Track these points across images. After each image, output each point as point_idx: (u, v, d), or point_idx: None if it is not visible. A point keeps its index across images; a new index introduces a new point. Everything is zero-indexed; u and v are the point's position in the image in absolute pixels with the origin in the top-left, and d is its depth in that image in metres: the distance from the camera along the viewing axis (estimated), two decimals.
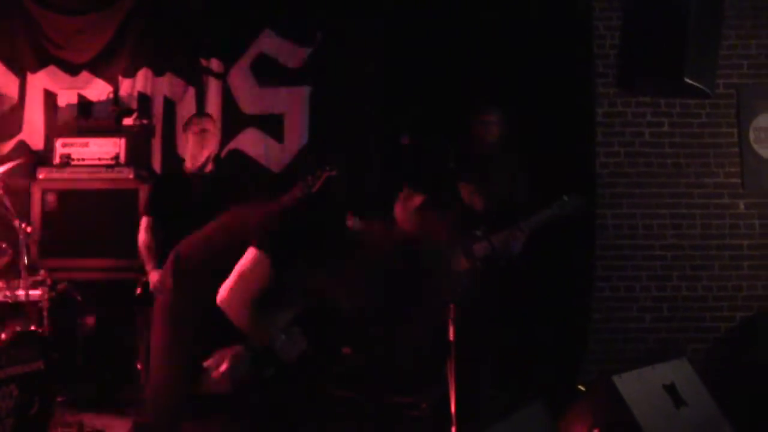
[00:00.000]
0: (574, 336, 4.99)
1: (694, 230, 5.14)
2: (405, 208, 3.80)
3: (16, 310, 4.15)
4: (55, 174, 5.01)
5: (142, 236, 4.29)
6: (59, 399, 4.00)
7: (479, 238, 3.85)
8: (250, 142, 5.25)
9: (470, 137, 4.01)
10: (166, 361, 2.81)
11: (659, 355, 4.48)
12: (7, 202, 4.07)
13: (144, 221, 4.32)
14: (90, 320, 4.73)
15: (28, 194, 4.99)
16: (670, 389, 3.48)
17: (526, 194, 4.07)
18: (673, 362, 3.69)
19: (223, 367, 2.76)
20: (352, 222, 4.45)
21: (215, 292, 2.76)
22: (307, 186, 4.33)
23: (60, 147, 5.09)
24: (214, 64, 5.33)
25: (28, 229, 4.15)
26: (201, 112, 4.56)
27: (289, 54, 5.27)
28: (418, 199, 3.80)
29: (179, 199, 4.26)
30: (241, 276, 2.72)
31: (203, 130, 4.35)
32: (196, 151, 4.36)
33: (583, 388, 4.25)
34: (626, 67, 4.61)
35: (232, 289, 2.71)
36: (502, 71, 4.97)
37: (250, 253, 2.74)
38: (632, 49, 4.08)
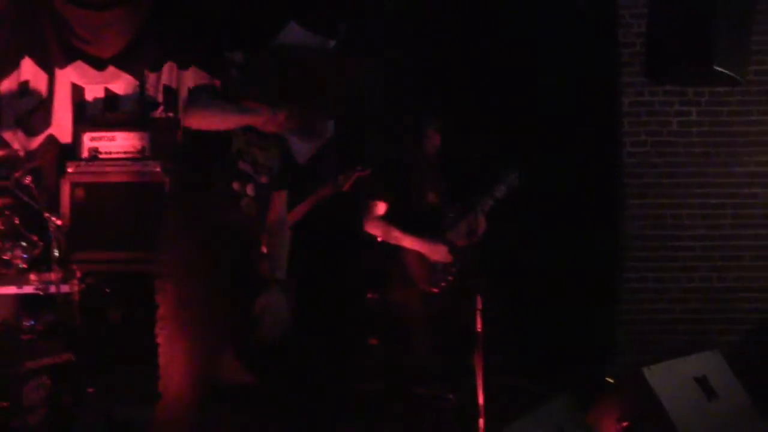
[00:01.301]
0: (602, 328, 4.95)
1: (724, 220, 5.07)
2: (372, 218, 3.84)
3: (47, 302, 4.21)
4: (84, 168, 5.06)
5: None
6: (88, 390, 4.05)
7: (451, 224, 3.88)
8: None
9: (420, 144, 4.04)
10: (183, 353, 2.75)
11: (689, 347, 4.44)
12: (38, 196, 4.12)
13: None
14: (118, 312, 4.77)
15: (57, 188, 5.05)
16: (702, 381, 3.43)
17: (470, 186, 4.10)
18: (704, 354, 3.65)
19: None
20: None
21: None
22: (337, 185, 4.33)
23: (88, 141, 5.14)
24: (238, 57, 5.33)
25: (58, 223, 4.19)
26: None
27: (314, 46, 5.25)
28: (382, 207, 3.84)
29: None
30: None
31: None
32: None
33: (611, 381, 4.22)
34: (653, 56, 4.56)
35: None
36: (525, 62, 4.93)
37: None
38: (659, 36, 4.01)
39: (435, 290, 3.80)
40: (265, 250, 2.98)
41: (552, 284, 4.78)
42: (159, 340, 2.75)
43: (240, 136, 2.81)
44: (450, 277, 3.79)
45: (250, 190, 2.84)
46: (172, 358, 2.72)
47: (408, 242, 3.79)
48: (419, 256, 3.79)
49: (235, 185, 2.80)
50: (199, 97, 2.75)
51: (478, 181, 3.95)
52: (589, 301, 4.87)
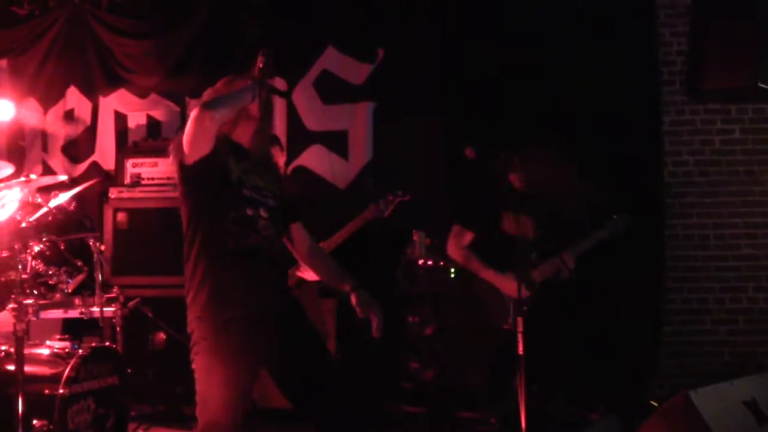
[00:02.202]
0: (645, 350, 4.87)
1: None
2: (457, 245, 3.83)
3: (92, 326, 4.27)
4: (126, 194, 5.15)
5: None
6: (132, 413, 4.09)
7: (534, 265, 3.84)
8: (316, 158, 5.29)
9: (518, 174, 3.97)
10: (220, 378, 2.76)
11: (736, 370, 4.34)
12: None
13: None
14: (160, 336, 4.82)
15: (100, 213, 5.15)
16: (751, 405, 3.34)
17: (574, 216, 4.04)
18: (752, 377, 3.55)
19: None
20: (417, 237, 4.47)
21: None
22: (379, 210, 4.35)
23: (130, 167, 5.24)
24: (279, 83, 5.39)
25: (102, 248, 4.26)
26: None
27: (352, 70, 5.29)
28: (469, 236, 3.82)
29: None
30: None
31: None
32: None
33: (655, 403, 4.14)
34: (695, 74, 4.52)
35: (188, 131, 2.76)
36: (563, 82, 4.91)
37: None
38: (702, 54, 3.99)
39: (506, 327, 3.77)
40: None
41: (593, 305, 4.71)
42: (194, 365, 2.77)
43: (235, 166, 2.84)
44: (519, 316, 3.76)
45: (263, 212, 2.86)
46: (209, 383, 2.73)
47: (485, 274, 3.80)
48: (494, 288, 3.79)
49: (249, 211, 2.82)
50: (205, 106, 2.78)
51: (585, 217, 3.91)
52: (631, 323, 4.79)
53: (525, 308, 3.70)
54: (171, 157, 2.86)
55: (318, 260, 3.09)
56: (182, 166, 2.81)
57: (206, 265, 2.80)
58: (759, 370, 3.82)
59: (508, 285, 3.78)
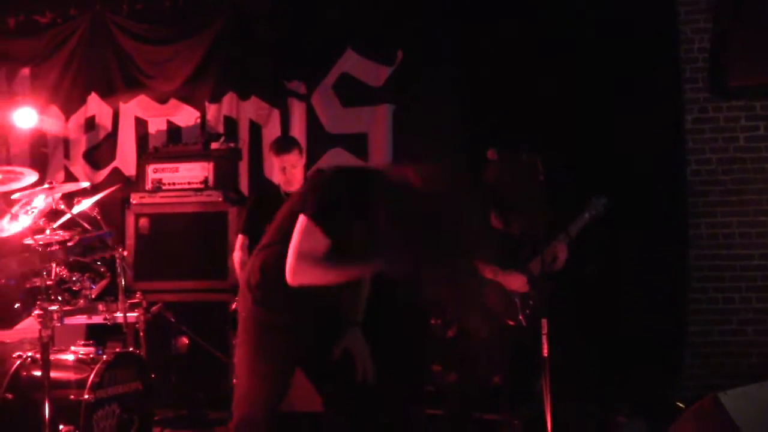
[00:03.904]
0: (670, 351, 4.82)
1: None
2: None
3: (115, 331, 4.30)
4: (147, 199, 5.19)
5: (238, 254, 4.35)
6: (155, 418, 4.11)
7: (530, 257, 3.80)
8: (336, 162, 5.29)
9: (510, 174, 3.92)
10: (258, 374, 2.79)
11: (764, 371, 4.28)
12: (105, 227, 4.22)
13: (239, 240, 4.37)
14: (183, 340, 4.84)
15: (122, 219, 5.18)
16: None
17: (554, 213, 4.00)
18: None
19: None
20: None
21: None
22: None
23: (151, 172, 5.27)
24: (298, 86, 5.42)
25: (125, 253, 4.29)
26: (282, 146, 4.36)
27: (371, 73, 5.29)
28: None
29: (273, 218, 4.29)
30: (298, 250, 2.64)
31: (283, 168, 4.32)
32: (284, 180, 4.35)
33: (682, 405, 4.09)
34: (718, 71, 4.47)
35: (293, 266, 2.62)
36: (583, 81, 4.88)
37: (300, 223, 2.66)
38: (725, 51, 3.93)
39: (512, 323, 3.74)
40: None
41: (618, 306, 4.67)
42: (235, 358, 2.84)
43: (358, 231, 2.75)
44: (527, 310, 3.73)
45: None
46: (247, 376, 2.76)
47: (486, 273, 3.76)
48: (499, 287, 3.75)
49: None
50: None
51: (560, 207, 3.87)
52: (656, 324, 4.74)
53: (532, 303, 3.68)
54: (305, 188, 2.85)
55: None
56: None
57: (271, 271, 2.77)
58: None
59: (512, 281, 3.74)
